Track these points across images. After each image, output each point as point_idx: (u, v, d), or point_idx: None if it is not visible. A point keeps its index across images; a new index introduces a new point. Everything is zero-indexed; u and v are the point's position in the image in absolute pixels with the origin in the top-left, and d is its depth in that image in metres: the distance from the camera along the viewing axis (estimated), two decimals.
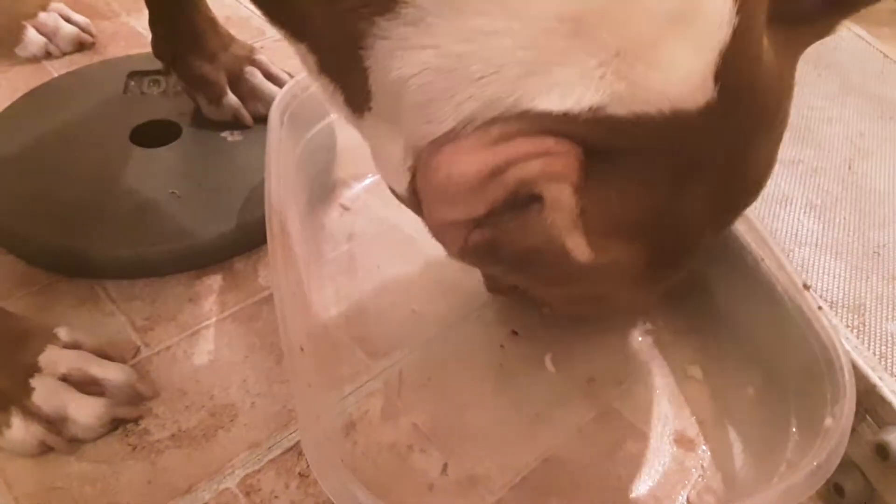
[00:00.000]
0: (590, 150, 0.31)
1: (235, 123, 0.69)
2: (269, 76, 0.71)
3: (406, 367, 0.52)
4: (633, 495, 0.46)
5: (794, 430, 0.46)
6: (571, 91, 0.29)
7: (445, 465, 0.47)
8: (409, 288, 0.58)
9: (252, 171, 0.63)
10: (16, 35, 0.82)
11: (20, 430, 0.45)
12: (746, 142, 0.35)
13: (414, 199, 0.35)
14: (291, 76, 0.67)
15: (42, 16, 0.83)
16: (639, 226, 0.33)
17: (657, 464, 0.47)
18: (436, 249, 0.56)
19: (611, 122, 0.30)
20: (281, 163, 0.54)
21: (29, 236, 0.59)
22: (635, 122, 0.30)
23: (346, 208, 0.65)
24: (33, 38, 0.82)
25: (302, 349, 0.43)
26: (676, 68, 0.30)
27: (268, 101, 0.68)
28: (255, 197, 0.61)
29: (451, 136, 0.31)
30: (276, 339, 0.54)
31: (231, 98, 0.68)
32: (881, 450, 0.43)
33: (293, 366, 0.42)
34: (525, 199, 0.31)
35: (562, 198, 0.31)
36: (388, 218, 0.63)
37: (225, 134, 0.68)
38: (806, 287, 0.48)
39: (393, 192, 0.39)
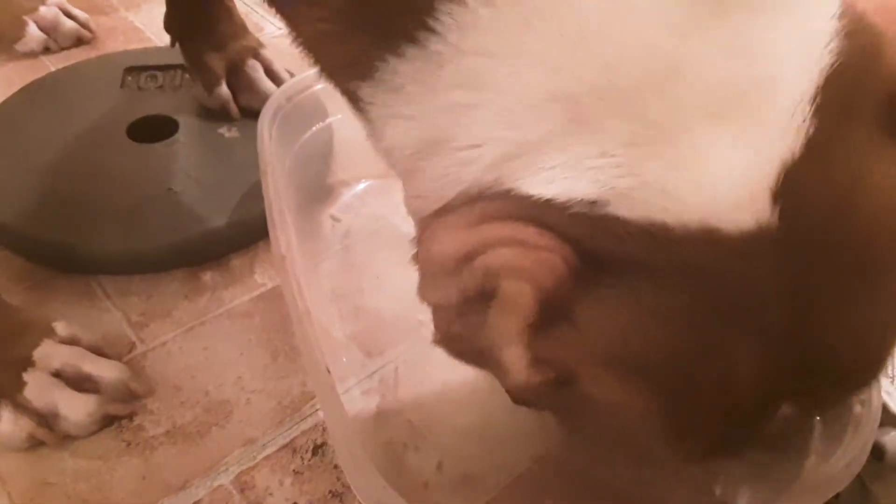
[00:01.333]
0: (590, 256, 0.25)
1: (231, 118, 0.69)
2: (270, 73, 0.70)
3: (402, 366, 0.52)
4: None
5: (817, 418, 0.44)
6: (559, 177, 0.25)
7: (440, 464, 0.46)
8: (405, 287, 0.58)
9: (249, 168, 0.63)
10: (17, 30, 0.82)
11: (9, 423, 0.45)
12: (833, 291, 0.26)
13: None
14: (293, 75, 0.67)
15: (43, 10, 0.83)
16: (648, 365, 0.26)
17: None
18: None
19: (613, 224, 0.25)
20: (272, 163, 0.54)
21: (25, 231, 0.58)
22: (648, 232, 0.24)
23: (336, 218, 0.64)
24: (34, 35, 0.82)
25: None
26: (712, 173, 0.24)
27: (261, 97, 0.68)
28: (252, 193, 0.61)
29: (441, 212, 0.28)
30: (271, 335, 0.54)
31: (223, 89, 0.68)
32: (876, 451, 0.43)
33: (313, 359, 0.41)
34: (491, 293, 0.26)
35: (516, 298, 0.25)
36: (384, 216, 0.63)
37: (222, 130, 0.68)
38: None
39: None
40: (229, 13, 0.69)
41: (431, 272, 0.28)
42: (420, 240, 0.29)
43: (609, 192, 0.25)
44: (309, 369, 0.41)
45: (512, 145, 0.26)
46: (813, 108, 0.24)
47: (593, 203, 0.25)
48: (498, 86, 0.26)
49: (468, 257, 0.26)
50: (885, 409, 0.44)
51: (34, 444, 0.46)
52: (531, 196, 0.25)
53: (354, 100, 0.31)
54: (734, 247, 0.24)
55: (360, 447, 0.36)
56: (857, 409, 0.40)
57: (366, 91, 0.29)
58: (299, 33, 0.32)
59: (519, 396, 0.42)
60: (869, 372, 0.29)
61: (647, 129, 0.25)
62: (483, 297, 0.26)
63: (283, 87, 0.61)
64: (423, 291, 0.29)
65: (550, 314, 0.26)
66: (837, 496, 0.44)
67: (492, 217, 0.26)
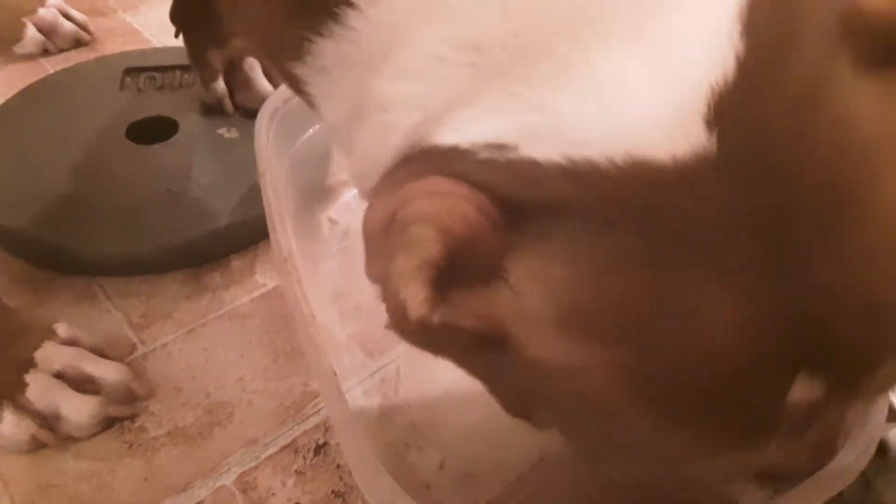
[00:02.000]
0: (512, 205, 0.24)
1: (231, 117, 0.69)
2: (269, 73, 0.71)
3: (403, 365, 0.52)
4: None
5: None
6: (467, 125, 0.24)
7: (442, 463, 0.46)
8: None
9: (249, 168, 0.63)
10: (16, 32, 0.82)
11: (11, 424, 0.45)
12: (812, 224, 0.22)
13: None
14: None
15: (41, 12, 0.83)
16: (600, 322, 0.23)
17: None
18: None
19: (527, 167, 0.23)
20: (269, 163, 0.54)
21: (24, 233, 0.58)
22: (570, 171, 0.22)
23: (333, 221, 0.64)
24: (33, 37, 0.82)
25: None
26: (630, 100, 0.22)
27: (256, 95, 0.68)
28: (252, 194, 0.61)
29: (376, 187, 0.28)
30: (272, 336, 0.54)
31: (220, 85, 0.69)
32: (879, 446, 0.42)
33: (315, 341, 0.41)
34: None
35: (419, 239, 0.23)
36: None
37: (221, 131, 0.68)
38: None
39: None
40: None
41: (369, 248, 0.27)
42: (363, 219, 0.27)
43: (518, 134, 0.23)
44: (315, 372, 0.41)
45: (423, 103, 0.26)
46: (742, 28, 0.22)
47: (502, 147, 0.23)
48: (407, 48, 0.26)
49: (391, 219, 0.24)
50: (889, 405, 0.44)
51: (36, 445, 0.46)
52: (443, 148, 0.25)
53: (295, 82, 0.31)
54: (673, 178, 0.22)
55: (368, 449, 0.36)
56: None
57: (301, 72, 0.30)
58: (240, 15, 0.33)
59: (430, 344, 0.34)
60: (879, 319, 0.23)
61: (553, 65, 0.23)
62: None
63: (280, 88, 0.61)
64: (367, 269, 0.27)
65: (470, 267, 0.23)
66: (841, 492, 0.44)
67: (411, 177, 0.25)
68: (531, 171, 0.23)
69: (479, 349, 0.25)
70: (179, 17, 0.69)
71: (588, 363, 0.23)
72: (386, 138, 0.27)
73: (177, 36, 0.70)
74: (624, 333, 0.23)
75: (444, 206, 0.23)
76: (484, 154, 0.24)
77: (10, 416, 0.45)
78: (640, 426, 0.25)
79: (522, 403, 0.30)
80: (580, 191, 0.22)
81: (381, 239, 0.25)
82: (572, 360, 0.23)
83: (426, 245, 0.23)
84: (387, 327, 0.26)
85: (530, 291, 0.24)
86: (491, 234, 0.23)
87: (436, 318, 0.23)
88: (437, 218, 0.23)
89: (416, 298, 0.23)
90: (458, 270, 0.23)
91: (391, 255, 0.24)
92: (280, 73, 0.33)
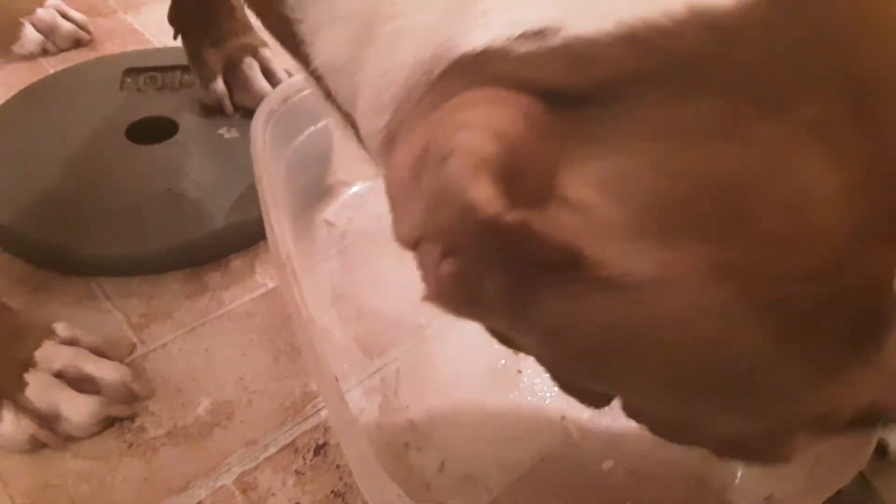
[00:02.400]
0: (561, 99, 0.20)
1: (231, 118, 0.69)
2: (267, 72, 0.71)
3: (403, 365, 0.52)
4: (634, 495, 0.46)
5: None
6: (496, 20, 0.21)
7: (443, 464, 0.46)
8: (405, 287, 0.58)
9: (248, 169, 0.62)
10: (14, 32, 0.81)
11: (11, 424, 0.45)
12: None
13: None
14: (291, 75, 0.67)
15: (40, 12, 0.83)
16: (689, 215, 0.19)
17: (656, 461, 0.47)
18: None
19: (578, 47, 0.20)
20: (266, 164, 0.54)
21: (24, 233, 0.58)
22: (627, 39, 0.20)
23: (330, 223, 0.64)
24: (31, 36, 0.82)
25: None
26: None
27: (255, 95, 0.69)
28: (252, 194, 0.61)
29: (393, 135, 0.24)
30: (272, 336, 0.54)
31: (219, 85, 0.69)
32: (879, 447, 0.43)
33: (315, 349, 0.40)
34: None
35: (467, 142, 0.19)
36: (382, 217, 0.62)
37: (221, 131, 0.68)
38: None
39: None
40: (231, 10, 0.70)
41: (397, 200, 0.22)
42: (384, 179, 0.23)
43: (558, 12, 0.20)
44: (315, 375, 0.41)
45: (439, 5, 0.22)
46: None
47: (542, 33, 0.20)
48: None
49: (423, 151, 0.20)
50: None
51: (36, 445, 0.46)
52: (472, 55, 0.21)
53: (286, 26, 0.28)
54: (744, 28, 0.19)
55: (368, 451, 0.36)
56: None
57: (292, 6, 0.27)
58: None
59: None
60: None
61: None
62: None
63: (279, 88, 0.61)
64: (397, 229, 0.22)
65: (520, 189, 0.19)
66: (840, 492, 0.45)
67: (440, 99, 0.21)
68: (581, 50, 0.20)
69: (552, 273, 0.20)
70: (178, 18, 0.69)
71: (680, 269, 0.19)
72: (401, 53, 0.23)
73: (175, 37, 0.70)
74: (719, 222, 0.19)
75: (486, 116, 0.20)
76: (522, 48, 0.20)
77: (9, 415, 0.45)
78: (747, 341, 0.20)
79: (586, 365, 0.24)
80: (643, 58, 0.19)
81: (412, 182, 0.21)
82: (661, 270, 0.19)
83: (480, 145, 0.19)
84: (425, 298, 0.22)
85: (596, 202, 0.20)
86: (541, 144, 0.20)
87: (510, 217, 0.19)
88: (484, 125, 0.19)
89: (485, 194, 0.18)
90: (511, 190, 0.19)
91: (431, 192, 0.20)
92: (267, 23, 0.30)
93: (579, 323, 0.21)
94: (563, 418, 0.49)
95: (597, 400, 0.30)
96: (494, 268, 0.20)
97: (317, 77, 0.30)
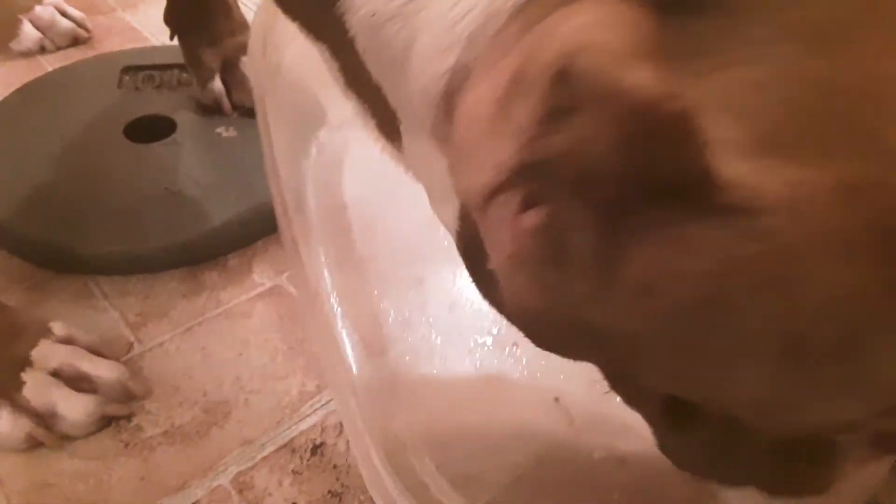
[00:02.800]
0: (677, 4, 0.18)
1: (229, 117, 0.69)
2: None
3: (402, 365, 0.52)
4: (630, 495, 0.46)
5: None
6: None
7: (441, 463, 0.46)
8: (406, 285, 0.58)
9: (246, 167, 0.63)
10: (11, 29, 0.81)
11: (8, 422, 0.45)
12: None
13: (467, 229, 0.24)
14: None
15: (38, 9, 0.83)
16: (815, 126, 0.17)
17: (655, 462, 0.47)
18: (432, 250, 0.56)
19: None
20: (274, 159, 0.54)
21: (21, 232, 0.58)
22: None
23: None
24: (29, 33, 0.82)
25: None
26: None
27: (252, 94, 0.68)
28: (250, 192, 0.61)
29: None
30: (270, 335, 0.54)
31: (217, 84, 0.69)
32: None
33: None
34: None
35: (600, 39, 0.16)
36: (383, 215, 0.62)
37: (219, 129, 0.68)
38: None
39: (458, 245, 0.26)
40: (228, 9, 0.69)
41: (471, 149, 0.19)
42: (450, 139, 0.20)
43: None
44: (325, 362, 0.40)
45: None
46: None
47: None
48: None
49: (514, 84, 0.17)
50: None
51: (33, 444, 0.46)
52: None
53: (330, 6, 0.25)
54: None
55: (372, 445, 0.36)
56: None
57: None
58: None
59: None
60: None
61: None
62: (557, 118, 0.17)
63: None
64: (467, 183, 0.19)
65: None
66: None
67: (524, 31, 0.18)
68: None
69: (665, 204, 0.17)
70: (174, 18, 0.69)
71: (811, 190, 0.17)
72: None
73: (172, 37, 0.70)
74: (847, 135, 0.17)
75: (598, 23, 0.17)
76: None
77: (6, 414, 0.45)
78: (875, 284, 0.17)
79: (674, 330, 0.19)
80: None
81: (498, 116, 0.18)
82: (792, 191, 0.17)
83: (615, 37, 0.16)
84: (496, 265, 0.19)
85: (718, 118, 0.17)
86: (655, 59, 0.17)
87: (676, 103, 0.16)
88: (603, 27, 0.16)
89: (644, 74, 0.16)
90: None
91: (535, 112, 0.17)
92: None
93: (684, 270, 0.18)
94: (561, 418, 0.49)
95: (652, 403, 0.27)
96: (588, 212, 0.18)
97: (345, 52, 0.27)
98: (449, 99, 0.22)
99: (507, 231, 0.18)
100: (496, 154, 0.18)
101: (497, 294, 0.21)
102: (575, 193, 0.18)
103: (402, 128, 0.26)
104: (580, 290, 0.19)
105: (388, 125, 0.28)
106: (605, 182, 0.17)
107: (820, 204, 0.16)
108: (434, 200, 0.28)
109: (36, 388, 0.46)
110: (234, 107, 0.70)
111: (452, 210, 0.25)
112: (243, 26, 0.71)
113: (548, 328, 0.21)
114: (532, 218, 0.18)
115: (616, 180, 0.17)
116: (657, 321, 0.19)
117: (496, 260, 0.20)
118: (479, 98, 0.18)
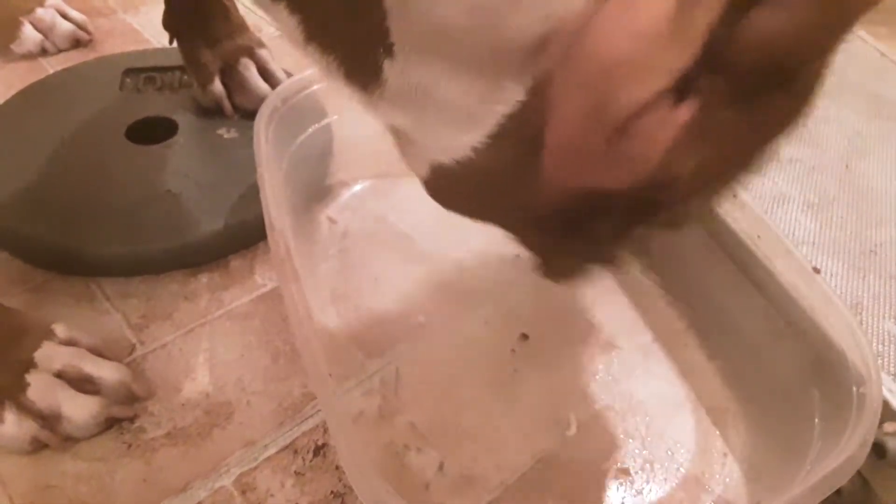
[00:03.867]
0: None
1: (227, 116, 0.69)
2: (265, 72, 0.70)
3: (403, 366, 0.52)
4: (632, 496, 0.46)
5: (818, 413, 0.45)
6: None
7: (441, 465, 0.46)
8: (404, 286, 0.58)
9: (248, 169, 0.62)
10: (12, 31, 0.81)
11: (13, 425, 0.45)
12: None
13: (507, 149, 0.26)
14: (290, 75, 0.67)
15: (39, 12, 0.83)
16: None
17: (687, 453, 0.47)
18: (430, 247, 0.56)
19: None
20: (267, 165, 0.54)
21: (24, 233, 0.58)
22: None
23: (332, 220, 0.64)
24: (30, 35, 0.82)
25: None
26: None
27: (253, 96, 0.68)
28: (251, 194, 0.61)
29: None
30: (272, 337, 0.54)
31: (217, 86, 0.68)
32: (878, 448, 0.43)
33: (311, 353, 0.40)
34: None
35: None
36: (383, 217, 0.63)
37: (221, 131, 0.68)
38: (816, 271, 0.47)
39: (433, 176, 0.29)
40: (226, 11, 0.69)
41: (616, 74, 0.21)
42: (574, 60, 0.22)
43: None
44: (310, 375, 0.41)
45: None
46: None
47: None
48: None
49: None
50: (886, 405, 0.44)
51: (37, 446, 0.46)
52: None
53: None
54: None
55: (362, 450, 0.36)
56: (854, 411, 0.40)
57: None
58: None
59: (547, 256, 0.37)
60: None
61: None
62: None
63: (279, 88, 0.61)
64: (628, 98, 0.21)
65: None
66: (839, 492, 0.45)
67: None
68: None
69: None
70: (172, 22, 0.69)
71: None
72: None
73: (171, 42, 0.70)
74: None
75: None
76: None
77: (11, 416, 0.45)
78: None
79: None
80: None
81: (672, 24, 0.20)
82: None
83: None
84: (650, 169, 0.23)
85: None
86: None
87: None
88: None
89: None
90: None
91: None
92: None
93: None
94: (562, 420, 0.49)
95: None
96: (733, 91, 0.22)
97: (310, 4, 0.28)
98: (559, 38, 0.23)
99: (662, 133, 0.22)
100: (665, 62, 0.21)
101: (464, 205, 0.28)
102: (727, 78, 0.22)
103: (398, 58, 0.26)
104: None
105: (360, 73, 0.28)
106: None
107: None
108: (409, 144, 0.30)
109: (41, 389, 0.46)
110: (235, 109, 0.70)
111: (427, 153, 0.28)
112: (242, 28, 0.71)
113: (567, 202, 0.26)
114: (687, 110, 0.22)
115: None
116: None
117: (652, 153, 0.23)
118: (648, 16, 0.20)
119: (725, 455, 0.47)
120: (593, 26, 0.21)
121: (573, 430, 0.49)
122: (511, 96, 0.25)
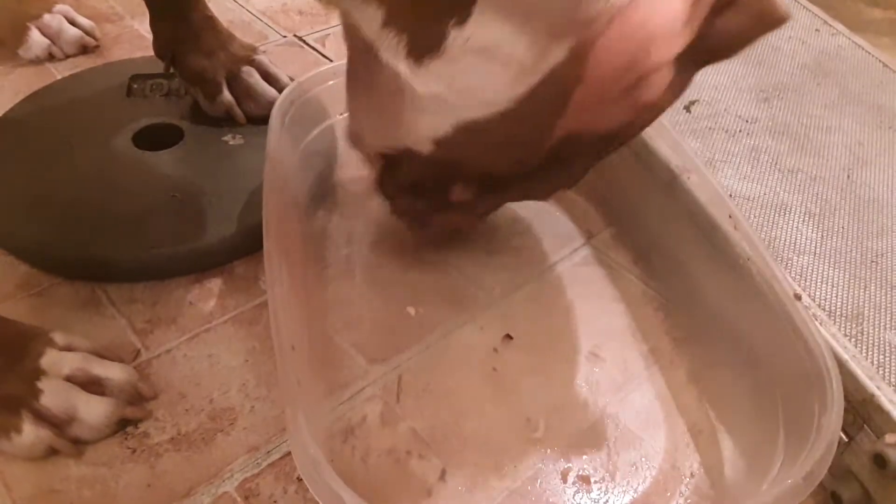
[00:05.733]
0: None
1: (236, 125, 0.70)
2: (268, 77, 0.71)
3: (405, 373, 0.52)
4: (625, 500, 0.46)
5: (782, 438, 0.46)
6: None
7: (444, 471, 0.47)
8: (408, 293, 0.58)
9: (253, 175, 0.63)
10: (19, 36, 0.82)
11: (31, 435, 0.45)
12: None
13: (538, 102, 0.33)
14: (292, 79, 0.67)
15: (46, 17, 0.83)
16: None
17: (651, 469, 0.47)
18: (434, 252, 0.56)
19: None
20: (281, 166, 0.55)
21: (30, 238, 0.59)
22: None
23: (337, 222, 0.65)
24: (37, 40, 0.82)
25: (293, 348, 0.43)
26: None
27: (262, 101, 0.69)
28: (257, 200, 0.61)
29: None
30: None
31: (226, 95, 0.69)
32: (879, 459, 0.43)
33: (283, 363, 0.42)
34: None
35: None
36: (387, 222, 0.63)
37: (227, 137, 0.69)
38: (797, 297, 0.48)
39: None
40: (212, 23, 0.70)
41: (647, 45, 0.30)
42: (616, 32, 0.30)
43: None
44: (282, 385, 0.42)
45: None
46: None
47: None
48: None
49: None
50: (887, 416, 0.44)
51: (50, 453, 0.46)
52: None
53: None
54: None
55: (323, 463, 0.37)
56: (815, 432, 0.41)
57: None
58: None
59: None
60: None
61: None
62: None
63: (285, 92, 0.62)
64: (615, 82, 0.31)
65: None
66: (840, 502, 0.45)
67: None
68: None
69: None
70: (163, 46, 0.69)
71: None
72: None
73: (167, 70, 0.70)
74: None
75: None
76: None
77: (29, 426, 0.45)
78: None
79: None
80: None
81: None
82: None
83: None
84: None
85: None
86: None
87: None
88: None
89: None
90: None
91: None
92: None
93: None
94: (562, 427, 0.50)
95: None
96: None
97: None
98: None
99: (665, 80, 0.34)
100: (682, 37, 0.32)
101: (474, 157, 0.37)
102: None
103: (460, 42, 0.31)
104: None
105: (421, 46, 0.33)
106: None
107: None
108: (360, 128, 0.37)
109: (54, 394, 0.46)
110: (245, 117, 0.70)
111: (515, 88, 0.32)
112: (231, 37, 0.71)
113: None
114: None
115: None
116: None
117: (654, 98, 0.33)
118: (676, 6, 0.30)
119: (692, 476, 0.47)
120: (639, 7, 0.29)
121: (574, 437, 0.49)
122: (554, 58, 0.31)
